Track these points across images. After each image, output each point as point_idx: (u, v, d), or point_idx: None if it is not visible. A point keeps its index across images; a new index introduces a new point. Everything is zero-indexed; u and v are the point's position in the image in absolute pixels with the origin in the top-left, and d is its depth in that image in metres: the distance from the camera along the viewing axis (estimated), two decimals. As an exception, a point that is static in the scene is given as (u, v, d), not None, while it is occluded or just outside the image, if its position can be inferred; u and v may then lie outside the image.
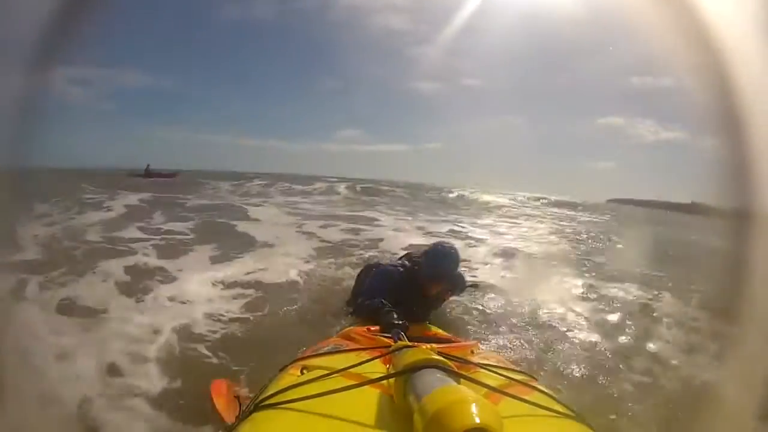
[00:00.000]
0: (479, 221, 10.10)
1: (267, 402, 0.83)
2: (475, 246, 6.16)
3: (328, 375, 0.92)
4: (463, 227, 8.43)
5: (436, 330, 2.01)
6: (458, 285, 2.30)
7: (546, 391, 1.04)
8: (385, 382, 0.85)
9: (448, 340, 1.67)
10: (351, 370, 0.94)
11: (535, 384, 1.08)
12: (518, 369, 1.32)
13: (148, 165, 23.46)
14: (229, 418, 1.37)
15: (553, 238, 8.06)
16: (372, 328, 1.59)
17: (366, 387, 0.83)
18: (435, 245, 2.30)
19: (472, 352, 1.49)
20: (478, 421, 0.55)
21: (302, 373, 1.06)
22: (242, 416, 0.85)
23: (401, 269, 2.28)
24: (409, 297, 2.13)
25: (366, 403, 0.80)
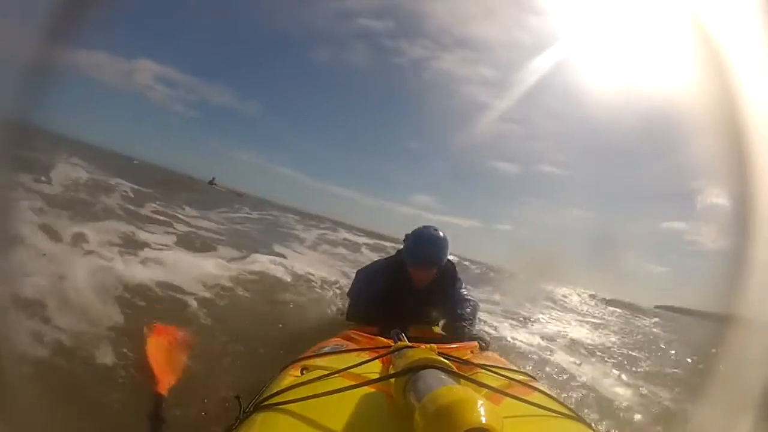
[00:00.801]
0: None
1: (267, 402, 0.83)
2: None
3: (328, 375, 0.91)
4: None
5: (436, 330, 2.01)
6: (448, 272, 2.08)
7: (546, 391, 1.04)
8: (385, 382, 0.84)
9: (448, 341, 1.67)
10: (351, 370, 0.94)
11: (535, 384, 1.08)
12: (518, 369, 1.32)
13: (213, 178, 24.09)
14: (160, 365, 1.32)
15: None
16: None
17: (366, 387, 0.83)
18: (418, 229, 2.10)
19: (472, 352, 1.49)
20: (478, 421, 0.55)
21: (302, 373, 1.06)
22: (242, 416, 0.85)
23: (390, 261, 2.15)
24: (399, 291, 2.00)
25: (366, 403, 0.80)
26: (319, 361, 1.13)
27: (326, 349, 1.27)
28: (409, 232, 2.08)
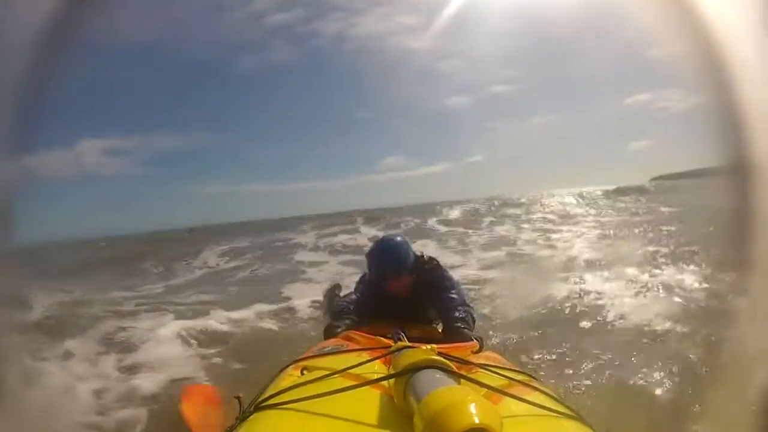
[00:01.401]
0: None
1: (267, 402, 0.83)
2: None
3: (328, 375, 0.92)
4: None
5: (436, 330, 2.01)
6: (433, 273, 2.03)
7: (546, 391, 1.04)
8: (385, 382, 0.85)
9: (448, 341, 1.67)
10: (351, 370, 0.94)
11: (535, 384, 1.08)
12: (518, 369, 1.32)
13: (191, 228, 26.53)
14: (198, 425, 1.29)
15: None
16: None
17: (366, 387, 0.83)
18: (372, 244, 2.13)
19: (473, 352, 1.49)
20: (478, 421, 0.55)
21: (302, 373, 1.07)
22: (242, 416, 0.85)
23: (361, 284, 2.20)
24: (388, 305, 2.00)
25: (366, 403, 0.80)
26: (319, 362, 1.13)
27: (326, 350, 1.27)
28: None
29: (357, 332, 1.51)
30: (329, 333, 1.67)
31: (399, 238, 2.07)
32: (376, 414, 0.78)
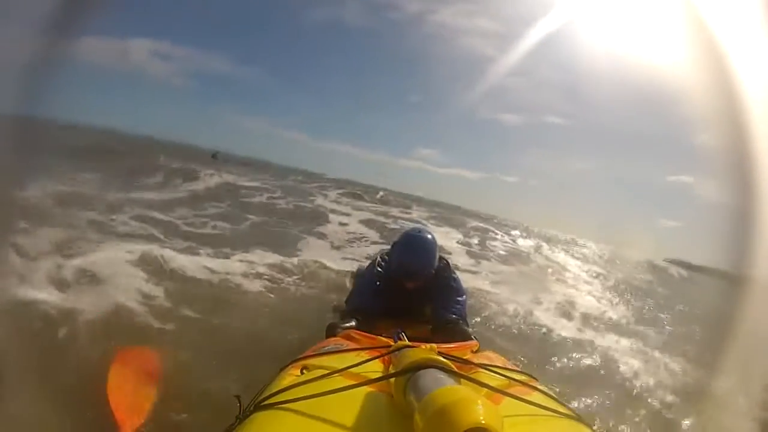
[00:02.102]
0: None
1: (267, 402, 0.83)
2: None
3: (328, 375, 0.91)
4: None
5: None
6: (440, 272, 2.00)
7: (546, 391, 1.04)
8: (385, 382, 0.84)
9: (449, 341, 1.66)
10: (351, 370, 0.94)
11: (535, 384, 1.08)
12: (519, 369, 1.31)
13: (216, 152, 23.82)
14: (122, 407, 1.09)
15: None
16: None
17: (366, 387, 0.83)
18: (404, 235, 2.02)
19: (473, 352, 1.49)
20: (477, 421, 0.55)
21: (302, 372, 1.06)
22: (242, 416, 0.85)
23: (379, 270, 2.06)
24: (395, 299, 1.96)
25: (366, 403, 0.80)
26: (319, 361, 1.13)
27: (326, 349, 1.27)
28: (396, 239, 2.05)
29: (357, 331, 1.52)
30: (330, 332, 1.67)
31: (430, 236, 2.00)
32: (376, 414, 0.78)
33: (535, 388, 1.02)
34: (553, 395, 1.04)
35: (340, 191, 13.27)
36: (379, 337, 1.39)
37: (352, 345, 1.32)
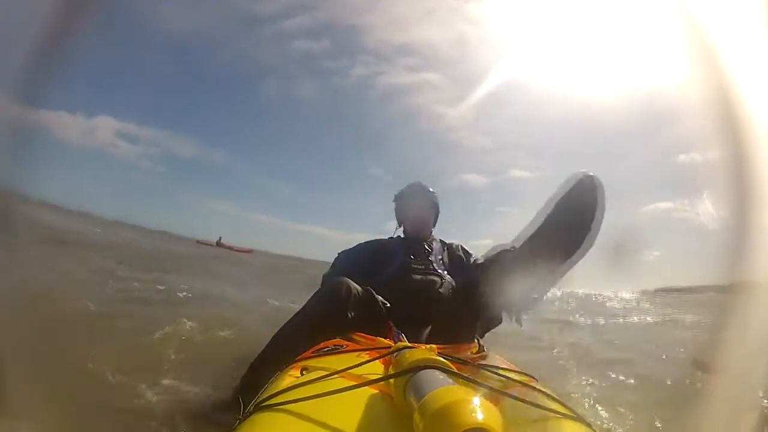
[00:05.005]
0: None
1: (267, 403, 0.83)
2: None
3: (328, 376, 0.92)
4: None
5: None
6: (450, 248, 2.04)
7: (546, 391, 1.04)
8: (385, 383, 0.85)
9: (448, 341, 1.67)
10: (351, 370, 0.94)
11: (535, 384, 1.08)
12: (519, 370, 1.32)
13: (219, 238, 26.21)
14: None
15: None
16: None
17: (366, 388, 0.83)
18: (404, 187, 2.17)
19: (473, 352, 1.49)
20: (477, 421, 0.55)
21: (302, 373, 1.07)
22: (242, 417, 0.85)
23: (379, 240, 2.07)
24: (392, 253, 1.91)
25: (366, 403, 0.80)
26: (319, 362, 1.13)
27: (326, 349, 1.27)
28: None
29: (357, 332, 1.52)
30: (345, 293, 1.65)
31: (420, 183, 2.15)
32: (376, 414, 0.78)
33: (536, 389, 1.02)
34: (553, 395, 1.04)
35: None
36: (379, 338, 1.40)
37: (352, 345, 1.33)
